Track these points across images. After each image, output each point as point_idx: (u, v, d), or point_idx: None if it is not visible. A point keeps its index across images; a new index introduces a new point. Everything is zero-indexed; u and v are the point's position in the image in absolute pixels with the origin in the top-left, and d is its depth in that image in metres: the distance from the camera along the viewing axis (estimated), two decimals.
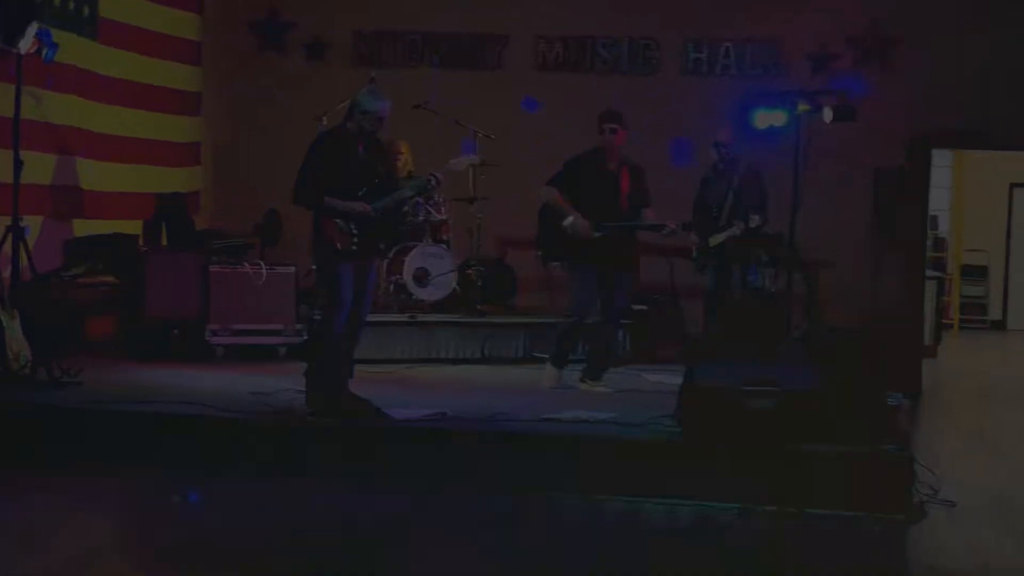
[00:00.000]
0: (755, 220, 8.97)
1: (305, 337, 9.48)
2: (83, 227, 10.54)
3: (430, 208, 10.64)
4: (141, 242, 11.14)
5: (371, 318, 9.76)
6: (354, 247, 7.21)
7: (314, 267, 7.76)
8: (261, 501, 6.51)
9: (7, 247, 8.14)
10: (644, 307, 10.47)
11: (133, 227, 11.08)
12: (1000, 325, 18.80)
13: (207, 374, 8.84)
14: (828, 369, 6.97)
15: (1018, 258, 18.55)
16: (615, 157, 8.57)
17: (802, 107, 11.18)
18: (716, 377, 6.96)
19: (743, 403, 6.77)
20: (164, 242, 11.31)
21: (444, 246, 10.62)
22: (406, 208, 10.36)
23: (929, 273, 13.41)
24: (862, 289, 11.43)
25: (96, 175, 10.72)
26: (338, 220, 7.19)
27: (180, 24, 12.13)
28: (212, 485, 6.74)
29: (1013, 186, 18.45)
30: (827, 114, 11.09)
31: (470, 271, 10.59)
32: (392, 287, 10.41)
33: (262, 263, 9.65)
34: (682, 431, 7.01)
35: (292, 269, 9.77)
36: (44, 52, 8.35)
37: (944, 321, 15.97)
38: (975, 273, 18.56)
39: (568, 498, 6.66)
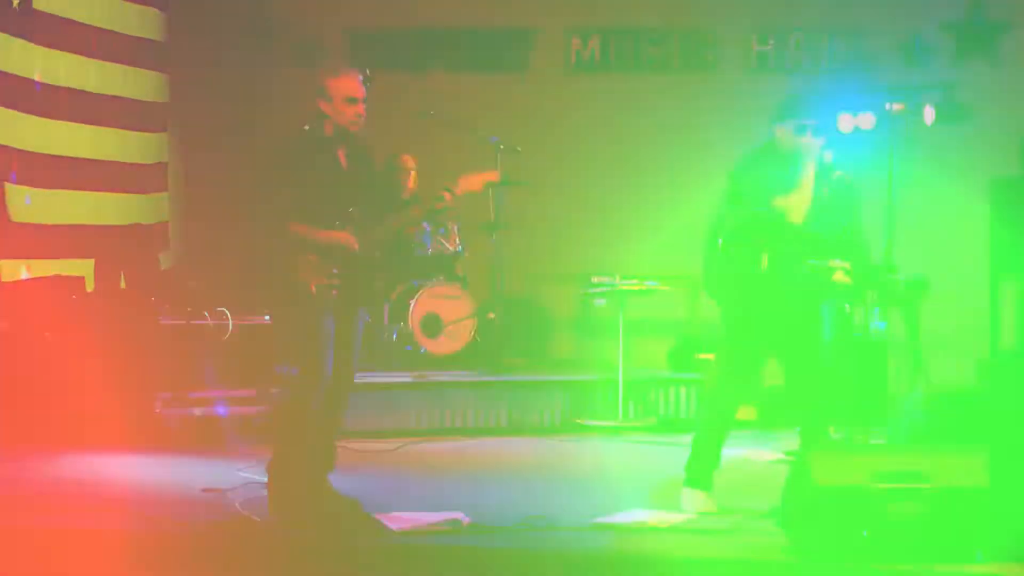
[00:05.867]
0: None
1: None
2: (13, 269, 9.26)
3: (441, 238, 9.57)
4: (91, 286, 9.85)
5: (370, 378, 8.62)
6: (334, 291, 5.78)
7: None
8: None
9: None
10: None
11: (81, 268, 9.83)
12: None
13: (153, 459, 7.48)
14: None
15: None
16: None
17: (896, 107, 9.88)
18: (839, 466, 5.38)
19: (882, 506, 5.23)
20: (122, 285, 10.13)
21: (459, 285, 9.57)
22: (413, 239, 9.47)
23: None
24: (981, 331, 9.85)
25: (32, 204, 9.50)
26: (312, 255, 5.76)
27: (140, 21, 10.89)
28: None
29: None
30: (928, 114, 9.98)
31: (492, 315, 9.42)
32: (395, 337, 9.30)
33: (227, 312, 8.02)
34: (789, 540, 5.47)
35: (267, 319, 8.25)
36: None
37: None
38: None
39: None
